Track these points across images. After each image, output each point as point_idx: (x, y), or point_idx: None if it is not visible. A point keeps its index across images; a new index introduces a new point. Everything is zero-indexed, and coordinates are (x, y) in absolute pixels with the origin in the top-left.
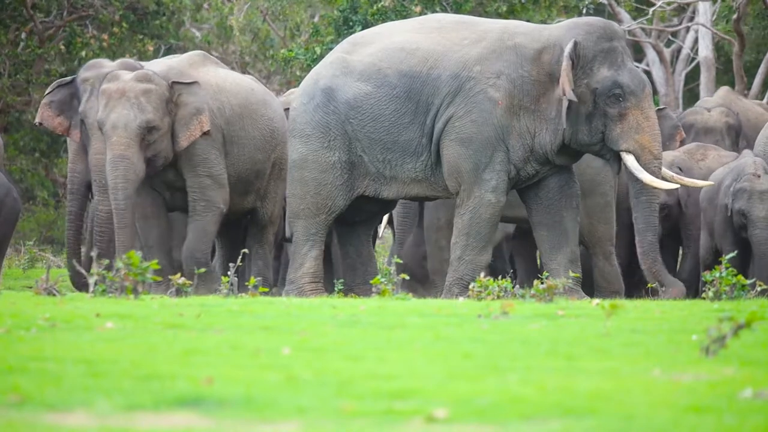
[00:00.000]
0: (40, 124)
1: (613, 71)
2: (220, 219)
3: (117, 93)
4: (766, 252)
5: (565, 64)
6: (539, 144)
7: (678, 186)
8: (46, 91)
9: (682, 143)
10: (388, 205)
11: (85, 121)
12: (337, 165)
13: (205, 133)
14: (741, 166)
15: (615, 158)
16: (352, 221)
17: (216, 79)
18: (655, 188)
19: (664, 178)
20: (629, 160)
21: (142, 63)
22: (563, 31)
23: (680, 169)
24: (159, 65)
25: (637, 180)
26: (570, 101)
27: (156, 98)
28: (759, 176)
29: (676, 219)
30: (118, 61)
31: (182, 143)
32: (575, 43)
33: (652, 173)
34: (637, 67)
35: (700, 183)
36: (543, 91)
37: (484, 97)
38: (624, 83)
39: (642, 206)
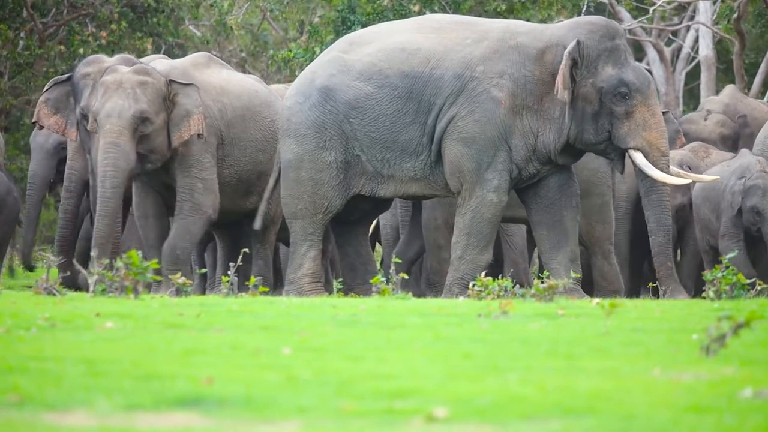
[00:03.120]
0: (35, 123)
1: (617, 69)
2: (207, 224)
3: (114, 84)
4: None
5: (564, 63)
6: (542, 143)
7: (688, 182)
8: (43, 90)
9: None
10: (382, 204)
11: (88, 116)
12: (333, 165)
13: (199, 136)
14: (745, 164)
15: (620, 157)
16: (348, 220)
17: (219, 81)
18: (665, 185)
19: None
20: (638, 157)
21: (141, 59)
22: (565, 31)
23: (689, 168)
24: (163, 64)
25: (646, 178)
26: (572, 100)
27: (152, 91)
28: None
29: (686, 219)
30: (117, 56)
31: (173, 143)
32: (578, 43)
33: (661, 170)
34: None
35: (706, 178)
36: (546, 91)
37: (487, 96)
38: (629, 81)
39: (653, 205)
